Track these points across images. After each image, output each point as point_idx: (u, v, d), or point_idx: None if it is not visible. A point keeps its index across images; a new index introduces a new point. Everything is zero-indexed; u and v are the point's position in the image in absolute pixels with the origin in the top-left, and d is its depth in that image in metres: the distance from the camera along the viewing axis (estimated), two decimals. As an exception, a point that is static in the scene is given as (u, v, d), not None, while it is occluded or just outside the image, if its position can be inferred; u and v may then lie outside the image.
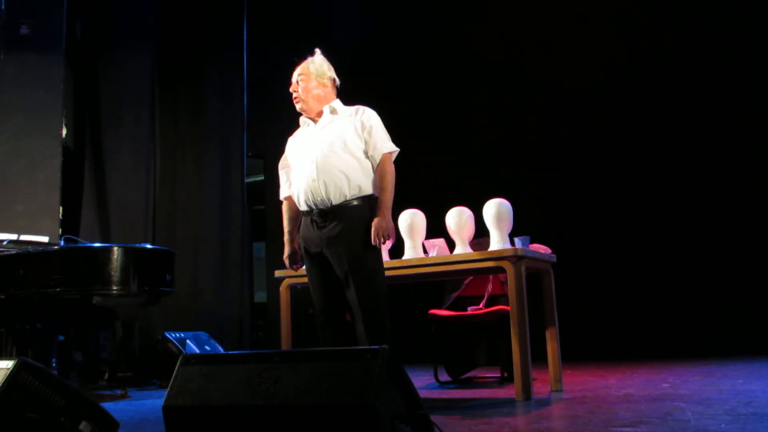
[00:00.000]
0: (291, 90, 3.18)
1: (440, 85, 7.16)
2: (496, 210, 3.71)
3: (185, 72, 6.83)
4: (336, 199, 2.97)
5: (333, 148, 3.00)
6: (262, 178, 7.57)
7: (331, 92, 3.19)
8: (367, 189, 3.02)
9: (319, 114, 3.15)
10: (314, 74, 3.13)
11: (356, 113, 3.12)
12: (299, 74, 3.15)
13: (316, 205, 2.99)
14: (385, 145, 3.07)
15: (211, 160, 6.69)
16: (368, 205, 3.01)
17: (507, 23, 6.85)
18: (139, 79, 6.50)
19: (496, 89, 6.87)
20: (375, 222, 2.95)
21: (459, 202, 3.92)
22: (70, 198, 6.09)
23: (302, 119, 3.22)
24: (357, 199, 2.98)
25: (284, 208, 3.27)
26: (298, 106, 3.17)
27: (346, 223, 2.95)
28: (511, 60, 6.84)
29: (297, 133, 3.28)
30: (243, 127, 6.73)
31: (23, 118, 5.84)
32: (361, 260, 2.95)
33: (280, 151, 3.34)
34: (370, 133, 3.06)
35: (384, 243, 2.98)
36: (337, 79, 3.22)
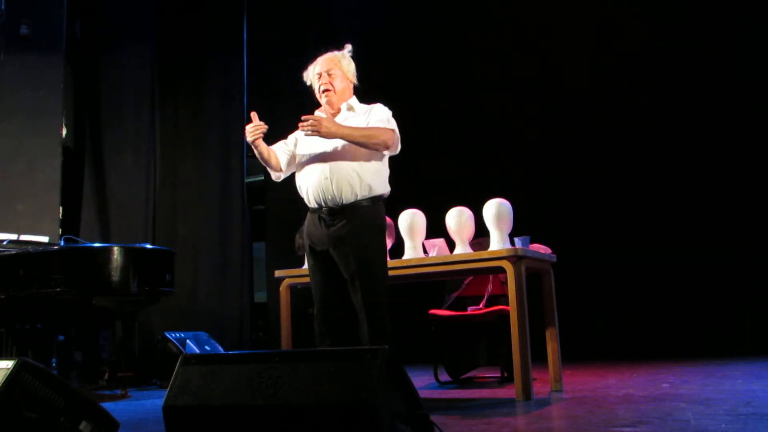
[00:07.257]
0: (319, 82, 3.09)
1: (440, 85, 7.15)
2: (496, 210, 3.71)
3: (185, 72, 6.83)
4: (347, 199, 2.95)
5: (347, 147, 2.98)
6: (262, 178, 7.56)
7: (351, 91, 3.18)
8: (377, 189, 3.01)
9: (338, 110, 3.13)
10: (345, 69, 3.12)
11: (369, 111, 3.11)
12: (331, 68, 3.09)
13: (326, 202, 2.97)
14: (380, 122, 3.02)
15: (211, 160, 6.68)
16: (377, 205, 3.02)
17: (507, 22, 6.85)
18: (139, 79, 6.49)
19: (496, 88, 6.86)
20: (322, 118, 2.89)
21: (459, 202, 3.92)
22: (70, 198, 6.09)
23: (318, 112, 3.16)
24: (367, 199, 2.98)
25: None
26: (325, 99, 3.10)
27: (356, 223, 2.94)
28: (511, 59, 6.83)
29: None
30: (243, 127, 6.70)
31: (23, 118, 5.84)
32: (369, 262, 2.94)
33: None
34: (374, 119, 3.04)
35: (310, 129, 2.84)
36: (356, 80, 3.19)
